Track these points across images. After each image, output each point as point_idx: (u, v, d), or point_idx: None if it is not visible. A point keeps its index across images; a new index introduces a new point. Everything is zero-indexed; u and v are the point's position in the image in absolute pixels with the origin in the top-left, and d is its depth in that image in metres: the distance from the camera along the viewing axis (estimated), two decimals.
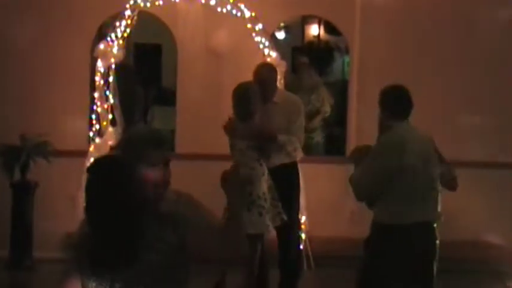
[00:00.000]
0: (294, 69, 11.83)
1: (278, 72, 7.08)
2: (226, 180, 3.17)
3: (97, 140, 7.72)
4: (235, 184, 3.14)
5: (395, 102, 5.27)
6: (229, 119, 6.46)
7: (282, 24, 10.59)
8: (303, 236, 7.76)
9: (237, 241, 3.15)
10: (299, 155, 6.80)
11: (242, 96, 6.32)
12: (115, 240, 2.90)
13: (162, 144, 3.28)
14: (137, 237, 2.93)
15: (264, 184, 6.26)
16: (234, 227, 3.14)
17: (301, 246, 7.75)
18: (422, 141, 5.18)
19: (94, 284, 2.95)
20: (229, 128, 6.42)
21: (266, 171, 6.30)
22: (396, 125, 5.17)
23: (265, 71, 6.73)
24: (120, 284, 2.94)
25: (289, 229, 6.61)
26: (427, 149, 5.16)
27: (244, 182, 3.17)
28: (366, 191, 5.20)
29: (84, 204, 2.93)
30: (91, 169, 2.95)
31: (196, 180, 8.26)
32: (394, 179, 5.04)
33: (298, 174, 6.82)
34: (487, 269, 7.97)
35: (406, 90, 5.38)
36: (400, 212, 5.08)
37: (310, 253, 7.76)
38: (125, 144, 3.34)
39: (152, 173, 3.09)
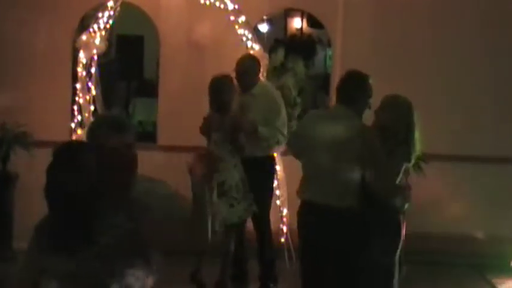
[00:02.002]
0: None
1: (260, 64, 7.09)
2: (192, 170, 3.11)
3: (79, 131, 7.70)
4: (200, 178, 3.10)
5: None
6: (204, 119, 6.49)
7: (264, 17, 10.57)
8: (284, 228, 7.79)
9: (200, 234, 3.15)
10: (280, 148, 6.84)
11: (217, 88, 6.38)
12: (71, 222, 2.93)
13: (123, 129, 3.27)
14: (94, 220, 2.96)
15: (236, 175, 6.32)
16: (198, 220, 3.13)
17: (283, 239, 7.78)
18: (334, 128, 5.19)
19: (50, 265, 2.96)
20: (205, 128, 6.47)
21: (238, 162, 6.37)
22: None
23: (247, 61, 6.77)
24: (73, 267, 2.95)
25: (260, 221, 6.69)
26: (337, 135, 5.15)
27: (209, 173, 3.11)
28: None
29: (44, 186, 2.97)
30: (54, 152, 3.00)
31: (177, 172, 8.27)
32: (300, 156, 5.42)
33: (272, 166, 6.84)
34: (465, 262, 8.04)
35: (342, 78, 5.49)
36: (302, 188, 5.36)
37: (291, 246, 7.79)
38: (89, 129, 3.32)
39: (115, 158, 3.09)
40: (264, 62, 7.72)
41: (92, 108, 7.79)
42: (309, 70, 15.58)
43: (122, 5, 7.91)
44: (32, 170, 7.77)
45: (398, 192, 5.16)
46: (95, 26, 7.74)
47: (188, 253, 6.43)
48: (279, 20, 15.49)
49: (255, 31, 8.38)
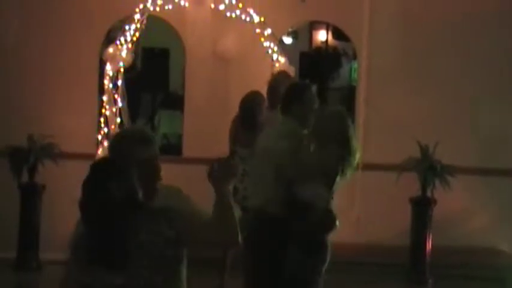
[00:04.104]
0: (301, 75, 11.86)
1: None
2: (212, 171, 3.13)
3: (105, 143, 7.74)
4: (223, 177, 3.13)
5: None
6: (232, 122, 6.52)
7: (289, 30, 10.59)
8: None
9: (229, 230, 3.16)
10: None
11: (249, 105, 6.39)
12: (110, 239, 2.96)
13: (147, 141, 3.34)
14: (131, 234, 3.00)
15: None
16: (224, 217, 3.14)
17: None
18: (268, 133, 5.29)
19: (95, 284, 2.99)
20: (232, 131, 6.50)
21: None
22: None
23: (280, 77, 6.77)
24: (121, 281, 3.00)
25: None
26: (267, 140, 5.19)
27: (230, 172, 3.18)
28: None
29: (80, 202, 2.99)
30: (91, 167, 3.04)
31: (202, 184, 8.29)
32: None
33: None
34: (492, 275, 7.96)
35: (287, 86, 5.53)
36: None
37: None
38: (112, 143, 3.39)
39: (141, 169, 3.12)
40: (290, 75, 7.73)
41: (118, 120, 7.83)
42: (334, 82, 15.60)
43: (148, 18, 7.96)
44: (58, 181, 7.84)
45: (319, 199, 5.05)
46: (122, 39, 7.80)
47: (206, 264, 6.47)
48: (303, 33, 15.50)
49: (280, 44, 8.39)
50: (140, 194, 3.03)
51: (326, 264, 5.10)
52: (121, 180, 2.98)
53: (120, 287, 3.01)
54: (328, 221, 5.04)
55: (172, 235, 3.09)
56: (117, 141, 3.38)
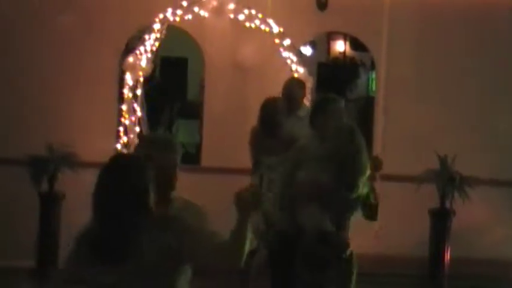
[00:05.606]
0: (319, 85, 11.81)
1: (306, 88, 7.12)
2: (240, 199, 3.05)
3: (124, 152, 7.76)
4: (248, 205, 3.04)
5: None
6: (251, 131, 6.51)
7: (307, 40, 10.60)
8: None
9: (237, 256, 3.09)
10: None
11: (269, 110, 6.36)
12: (116, 234, 2.99)
13: (171, 149, 3.43)
14: (138, 234, 3.00)
15: None
16: (238, 246, 3.06)
17: None
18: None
19: (90, 275, 3.00)
20: (252, 140, 6.48)
21: None
22: None
23: (295, 84, 6.80)
24: (111, 280, 2.99)
25: None
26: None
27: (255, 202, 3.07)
28: None
29: (93, 193, 3.04)
30: (110, 158, 3.11)
31: (221, 194, 8.29)
32: None
33: None
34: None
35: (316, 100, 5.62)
36: None
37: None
38: (138, 145, 3.51)
39: (160, 175, 3.16)
40: (308, 85, 7.75)
41: (138, 129, 7.87)
42: (352, 92, 15.57)
43: (167, 27, 7.99)
44: (78, 190, 7.86)
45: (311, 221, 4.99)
46: (141, 48, 7.83)
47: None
48: (321, 43, 15.48)
49: (299, 54, 8.40)
50: (152, 198, 3.04)
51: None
52: (137, 179, 3.01)
53: (109, 286, 2.99)
54: (338, 244, 5.04)
55: (176, 246, 3.03)
56: (144, 143, 3.44)
